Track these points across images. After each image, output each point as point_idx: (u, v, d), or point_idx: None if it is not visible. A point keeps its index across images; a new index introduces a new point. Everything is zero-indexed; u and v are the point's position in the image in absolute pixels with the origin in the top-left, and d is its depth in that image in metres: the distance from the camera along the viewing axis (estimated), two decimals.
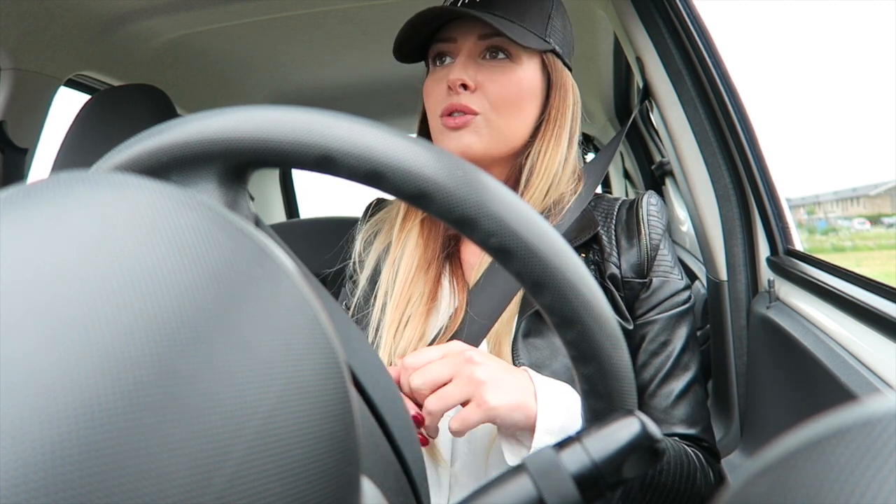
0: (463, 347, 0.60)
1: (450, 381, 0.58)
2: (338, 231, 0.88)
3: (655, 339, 0.74)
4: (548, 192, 0.75)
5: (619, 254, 0.75)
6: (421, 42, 0.78)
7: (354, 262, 0.83)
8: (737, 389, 0.90)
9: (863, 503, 0.12)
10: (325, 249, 0.89)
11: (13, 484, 0.12)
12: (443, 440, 0.69)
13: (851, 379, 0.59)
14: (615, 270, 0.74)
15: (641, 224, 0.76)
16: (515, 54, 0.74)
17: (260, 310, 0.18)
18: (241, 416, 0.15)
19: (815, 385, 0.66)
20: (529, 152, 0.76)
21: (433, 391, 0.57)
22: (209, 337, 0.16)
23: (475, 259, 0.78)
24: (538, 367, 0.68)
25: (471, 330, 0.71)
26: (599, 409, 0.30)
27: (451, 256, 0.78)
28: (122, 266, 0.16)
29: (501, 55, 0.74)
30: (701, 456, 0.71)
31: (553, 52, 0.76)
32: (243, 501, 0.15)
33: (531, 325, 0.71)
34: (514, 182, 0.79)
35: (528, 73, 0.75)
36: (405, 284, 0.74)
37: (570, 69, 0.80)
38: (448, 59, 0.76)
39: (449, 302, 0.74)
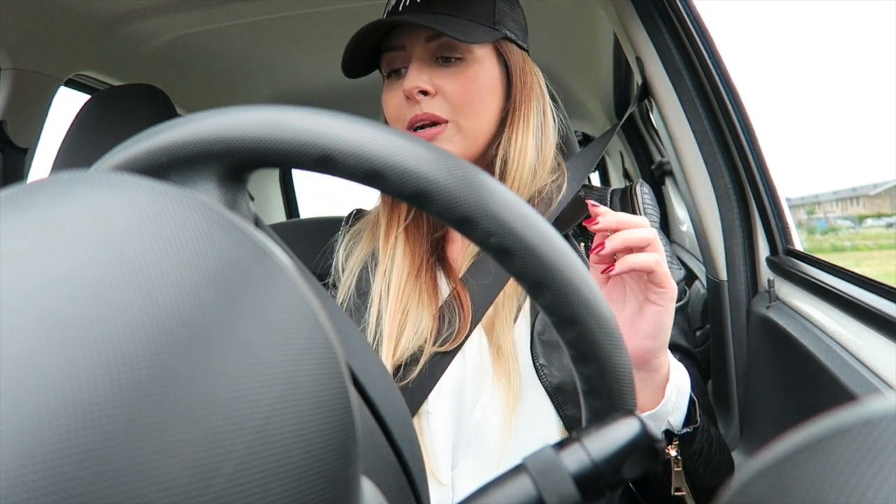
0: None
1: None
2: (338, 231, 0.88)
3: None
4: (531, 181, 0.73)
5: None
6: (371, 54, 0.76)
7: (337, 271, 0.82)
8: (736, 389, 0.90)
9: (863, 503, 0.12)
10: None
11: (12, 483, 0.12)
12: (442, 462, 0.68)
13: (851, 379, 0.59)
14: None
15: (639, 214, 0.74)
16: (467, 51, 0.72)
17: (259, 310, 0.18)
18: (241, 416, 0.15)
19: (815, 385, 0.66)
20: (500, 143, 0.74)
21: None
22: (208, 337, 0.16)
23: (459, 256, 0.77)
24: (562, 369, 0.67)
25: (475, 319, 0.70)
26: (599, 409, 0.30)
27: (439, 259, 0.77)
28: (121, 266, 0.16)
29: (454, 58, 0.72)
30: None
31: (506, 38, 0.74)
32: (243, 501, 0.15)
33: (545, 323, 0.69)
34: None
35: (484, 67, 0.73)
36: (399, 294, 0.73)
37: (526, 50, 0.78)
38: (402, 70, 0.74)
39: (450, 300, 0.74)
